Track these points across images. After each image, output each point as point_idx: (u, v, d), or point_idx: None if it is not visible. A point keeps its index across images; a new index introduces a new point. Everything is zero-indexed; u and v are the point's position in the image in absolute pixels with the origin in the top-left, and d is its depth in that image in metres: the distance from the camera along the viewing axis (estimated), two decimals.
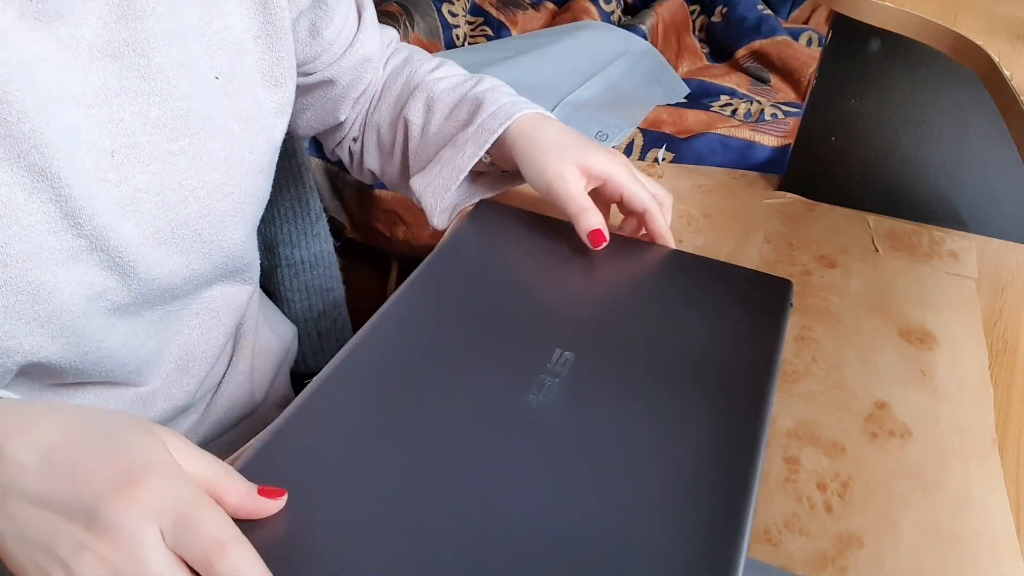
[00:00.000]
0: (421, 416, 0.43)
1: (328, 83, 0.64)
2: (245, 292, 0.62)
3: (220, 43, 0.51)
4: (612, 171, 0.58)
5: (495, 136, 0.60)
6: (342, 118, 0.68)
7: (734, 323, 0.52)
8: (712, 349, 0.50)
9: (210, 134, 0.50)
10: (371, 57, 0.65)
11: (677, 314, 0.53)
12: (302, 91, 0.63)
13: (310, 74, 0.62)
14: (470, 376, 0.46)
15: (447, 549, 0.37)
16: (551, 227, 0.60)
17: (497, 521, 0.38)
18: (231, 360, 0.65)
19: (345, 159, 0.73)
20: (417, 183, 0.64)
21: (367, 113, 0.70)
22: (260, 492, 0.37)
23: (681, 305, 0.54)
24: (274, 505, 0.37)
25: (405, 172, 0.68)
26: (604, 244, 0.57)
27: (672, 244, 0.60)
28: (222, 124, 0.51)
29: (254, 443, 0.41)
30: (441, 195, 0.62)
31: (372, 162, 0.71)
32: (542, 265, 0.58)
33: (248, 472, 0.38)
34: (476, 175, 0.66)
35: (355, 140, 0.71)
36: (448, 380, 0.46)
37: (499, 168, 0.67)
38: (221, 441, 0.65)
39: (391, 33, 0.70)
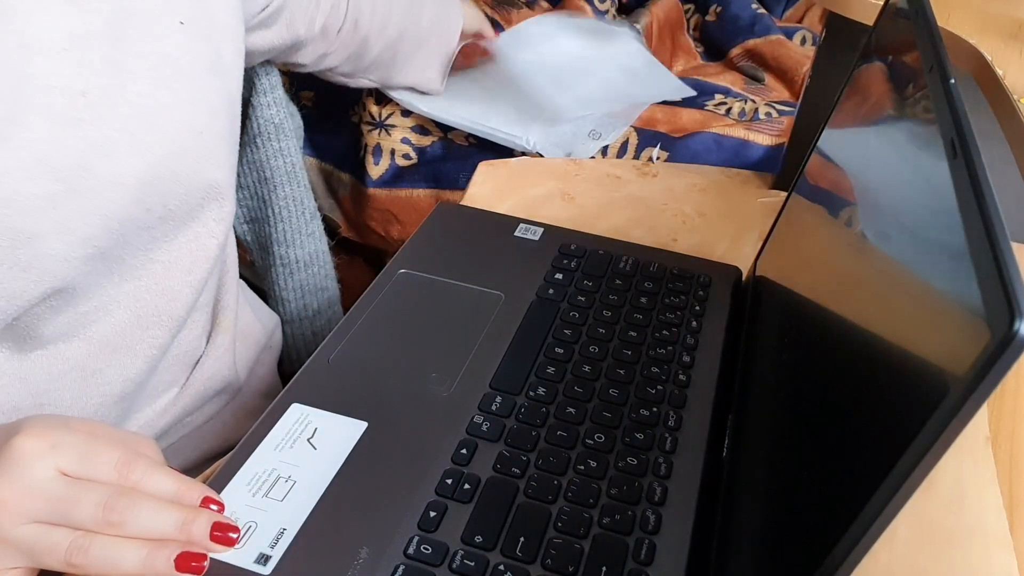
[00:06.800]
0: None
1: (277, 10, 0.68)
2: (219, 235, 0.60)
3: None
4: None
5: None
6: (300, 34, 0.74)
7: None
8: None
9: (173, 76, 0.52)
10: None
11: None
12: (253, 29, 0.67)
13: (264, 8, 0.66)
14: None
15: None
16: None
17: None
18: (210, 335, 0.65)
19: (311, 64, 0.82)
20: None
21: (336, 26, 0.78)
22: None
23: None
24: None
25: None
26: None
27: None
28: (186, 67, 0.53)
29: None
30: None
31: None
32: None
33: None
34: None
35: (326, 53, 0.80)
36: None
37: None
38: (206, 426, 0.65)
39: None
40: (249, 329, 0.70)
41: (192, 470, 0.60)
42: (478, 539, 0.42)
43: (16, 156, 0.44)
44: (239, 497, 0.44)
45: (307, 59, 0.79)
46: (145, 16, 0.50)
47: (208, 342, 0.65)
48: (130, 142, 0.49)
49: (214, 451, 0.67)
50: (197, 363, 0.64)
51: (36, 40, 0.45)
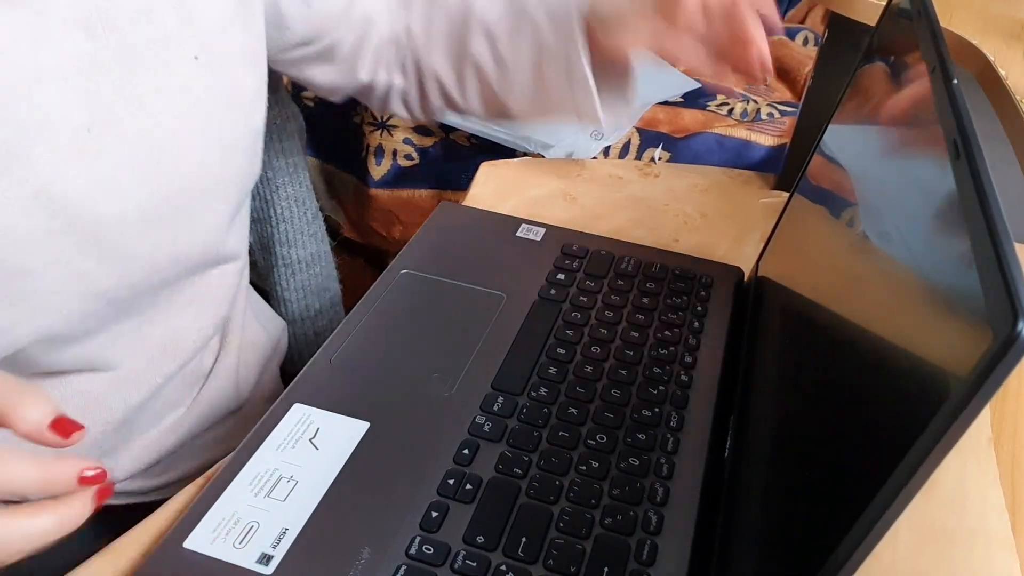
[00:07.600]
0: None
1: (331, 49, 0.63)
2: (232, 276, 0.60)
3: (197, 19, 0.50)
4: None
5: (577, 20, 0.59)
6: (364, 79, 0.67)
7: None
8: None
9: (186, 110, 0.50)
10: (372, 16, 0.63)
11: None
12: (308, 61, 0.63)
13: (309, 43, 0.61)
14: None
15: None
16: None
17: None
18: (218, 354, 0.65)
19: (402, 112, 0.72)
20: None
21: (403, 65, 0.68)
22: (51, 427, 0.35)
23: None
24: (63, 442, 0.35)
25: (492, 105, 0.68)
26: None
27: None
28: (200, 101, 0.51)
29: None
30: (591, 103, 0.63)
31: (440, 105, 0.70)
32: None
33: None
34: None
35: (405, 92, 0.70)
36: None
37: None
38: (208, 436, 0.65)
39: None
40: (256, 339, 0.70)
41: (192, 477, 0.60)
42: (480, 539, 0.42)
43: (14, 190, 0.42)
44: (241, 497, 0.44)
45: (402, 111, 0.72)
46: (159, 47, 0.48)
47: (216, 362, 0.64)
48: (136, 179, 0.48)
49: (215, 459, 0.67)
50: (204, 383, 0.63)
51: (41, 70, 0.43)
